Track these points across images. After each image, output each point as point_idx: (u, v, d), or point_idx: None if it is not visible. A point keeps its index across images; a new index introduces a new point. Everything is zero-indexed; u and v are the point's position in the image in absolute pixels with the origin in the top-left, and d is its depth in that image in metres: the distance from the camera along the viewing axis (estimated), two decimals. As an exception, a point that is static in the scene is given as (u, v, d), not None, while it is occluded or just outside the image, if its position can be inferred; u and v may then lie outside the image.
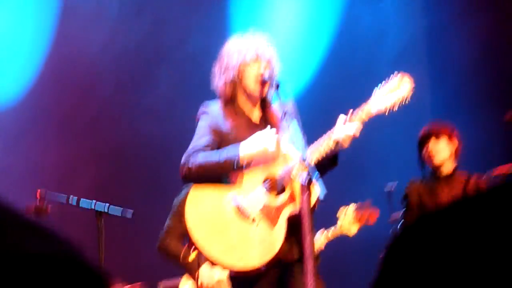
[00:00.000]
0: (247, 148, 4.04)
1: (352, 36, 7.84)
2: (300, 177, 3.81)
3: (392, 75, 3.93)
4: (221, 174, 4.05)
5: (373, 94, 3.97)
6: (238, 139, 4.13)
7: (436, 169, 5.61)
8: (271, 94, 4.25)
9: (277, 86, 4.10)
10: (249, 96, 4.27)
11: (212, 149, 4.13)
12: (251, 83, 4.21)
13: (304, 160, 3.79)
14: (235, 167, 4.01)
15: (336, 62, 7.79)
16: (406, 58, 7.62)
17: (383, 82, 3.96)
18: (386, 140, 7.54)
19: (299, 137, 3.90)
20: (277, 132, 4.10)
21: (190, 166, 4.04)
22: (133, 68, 7.04)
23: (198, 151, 4.10)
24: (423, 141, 5.62)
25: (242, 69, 4.22)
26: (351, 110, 4.04)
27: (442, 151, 5.55)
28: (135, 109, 7.08)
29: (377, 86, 4.00)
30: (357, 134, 3.98)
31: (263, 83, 4.18)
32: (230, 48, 4.29)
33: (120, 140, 6.90)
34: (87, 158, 6.87)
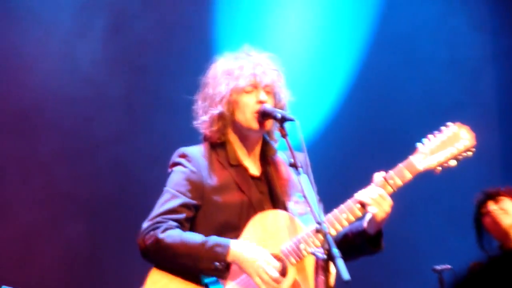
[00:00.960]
0: (241, 258, 3.34)
1: (384, 54, 6.39)
2: (313, 251, 3.12)
3: (444, 126, 3.49)
4: (195, 269, 3.33)
5: (417, 148, 3.45)
6: (229, 204, 3.44)
7: (504, 240, 4.88)
8: (275, 133, 3.58)
9: (283, 122, 3.37)
10: (244, 137, 3.54)
11: (188, 216, 3.40)
12: (248, 118, 3.47)
13: (320, 225, 3.08)
14: (216, 266, 3.31)
15: (366, 94, 6.41)
16: (468, 99, 6.41)
17: (434, 133, 3.48)
18: (436, 209, 6.38)
19: (312, 197, 3.20)
20: (284, 191, 3.51)
21: (159, 237, 3.30)
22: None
23: (169, 219, 3.37)
24: (479, 207, 5.04)
25: (234, 99, 3.49)
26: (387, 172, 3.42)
27: (510, 212, 4.93)
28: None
29: (423, 140, 3.49)
30: (388, 200, 3.37)
31: (263, 117, 3.45)
32: (217, 71, 3.56)
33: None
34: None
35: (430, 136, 3.47)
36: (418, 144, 3.45)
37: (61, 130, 5.41)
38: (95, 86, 5.46)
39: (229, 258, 3.29)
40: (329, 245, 3.02)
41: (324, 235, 3.06)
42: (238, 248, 3.30)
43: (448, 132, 3.49)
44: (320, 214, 3.19)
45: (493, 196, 5.04)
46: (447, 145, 3.48)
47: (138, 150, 5.43)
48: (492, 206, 5.00)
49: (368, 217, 3.40)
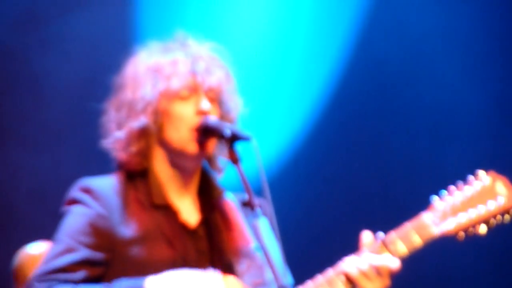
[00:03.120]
0: None
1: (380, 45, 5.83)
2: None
3: (473, 176, 3.12)
4: None
5: (432, 204, 3.07)
6: (154, 261, 2.96)
7: None
8: (219, 160, 3.16)
9: (234, 142, 2.91)
10: (176, 164, 3.06)
11: (90, 275, 2.91)
12: (182, 136, 3.00)
13: (282, 287, 2.73)
14: None
15: (356, 100, 5.58)
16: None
17: (457, 184, 3.12)
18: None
19: (275, 253, 2.80)
20: (232, 249, 3.11)
21: None
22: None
23: (60, 280, 2.90)
24: None
25: (163, 108, 3.01)
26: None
27: None
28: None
29: (441, 192, 3.12)
30: (394, 270, 2.94)
31: (205, 135, 2.98)
32: (139, 67, 3.06)
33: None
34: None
35: (451, 187, 3.11)
36: (434, 198, 3.08)
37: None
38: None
39: None
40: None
41: None
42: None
43: (478, 185, 3.15)
44: (286, 275, 2.82)
45: None
46: (475, 202, 3.14)
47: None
48: None
49: None
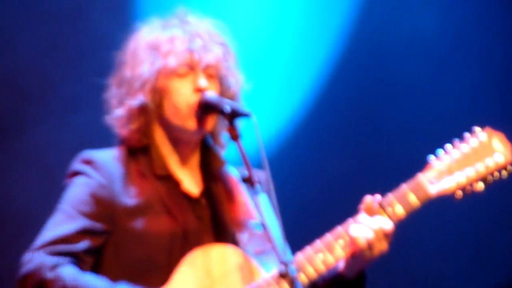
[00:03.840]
0: None
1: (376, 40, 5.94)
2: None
3: (469, 132, 3.10)
4: None
5: (429, 163, 3.05)
6: (153, 233, 2.97)
7: None
8: (221, 135, 3.16)
9: (234, 119, 2.90)
10: (176, 140, 3.08)
11: (91, 246, 2.91)
12: (181, 113, 3.02)
13: (285, 267, 2.71)
14: None
15: (351, 84, 5.68)
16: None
17: (453, 142, 3.09)
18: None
19: (275, 227, 2.79)
20: (234, 219, 3.10)
21: (47, 279, 2.82)
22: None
23: (60, 252, 2.88)
24: None
25: (162, 85, 3.02)
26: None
27: None
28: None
29: (437, 151, 3.08)
30: (390, 235, 2.94)
31: (204, 111, 2.99)
32: (138, 44, 3.08)
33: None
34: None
35: (448, 146, 3.06)
36: (431, 157, 3.04)
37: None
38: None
39: None
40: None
41: (291, 282, 2.74)
42: None
43: (474, 142, 3.09)
44: (286, 251, 2.81)
45: None
46: (472, 160, 3.09)
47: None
48: None
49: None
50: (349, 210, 3.02)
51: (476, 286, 5.63)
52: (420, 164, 3.07)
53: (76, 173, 3.02)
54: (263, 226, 2.80)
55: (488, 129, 3.06)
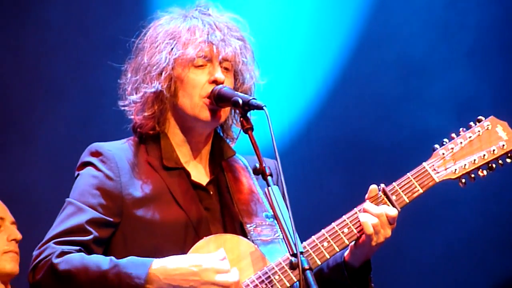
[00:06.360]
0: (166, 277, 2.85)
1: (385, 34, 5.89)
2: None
3: (474, 122, 3.12)
4: None
5: (435, 151, 3.09)
6: (160, 222, 2.98)
7: None
8: (232, 128, 3.19)
9: (247, 111, 2.93)
10: (188, 129, 3.10)
11: (100, 237, 2.95)
12: (195, 103, 3.03)
13: (295, 257, 2.71)
14: None
15: (358, 83, 5.79)
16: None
17: (459, 131, 3.11)
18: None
19: (286, 218, 2.77)
20: (243, 210, 3.10)
21: (53, 262, 2.85)
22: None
23: (69, 242, 2.92)
24: None
25: (178, 74, 3.03)
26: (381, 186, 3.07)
27: None
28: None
29: (443, 141, 3.13)
30: (394, 221, 2.99)
31: (218, 103, 3.01)
32: (157, 32, 3.08)
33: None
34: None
35: (453, 135, 3.08)
36: (436, 146, 3.07)
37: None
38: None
39: (150, 285, 2.87)
40: (309, 286, 2.71)
41: (303, 272, 2.70)
42: (161, 265, 2.85)
43: (479, 130, 3.10)
44: (297, 242, 2.78)
45: None
46: (477, 147, 3.12)
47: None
48: None
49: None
50: (361, 200, 3.03)
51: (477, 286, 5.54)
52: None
53: (85, 165, 3.03)
54: (274, 217, 2.81)
55: (492, 117, 3.09)
